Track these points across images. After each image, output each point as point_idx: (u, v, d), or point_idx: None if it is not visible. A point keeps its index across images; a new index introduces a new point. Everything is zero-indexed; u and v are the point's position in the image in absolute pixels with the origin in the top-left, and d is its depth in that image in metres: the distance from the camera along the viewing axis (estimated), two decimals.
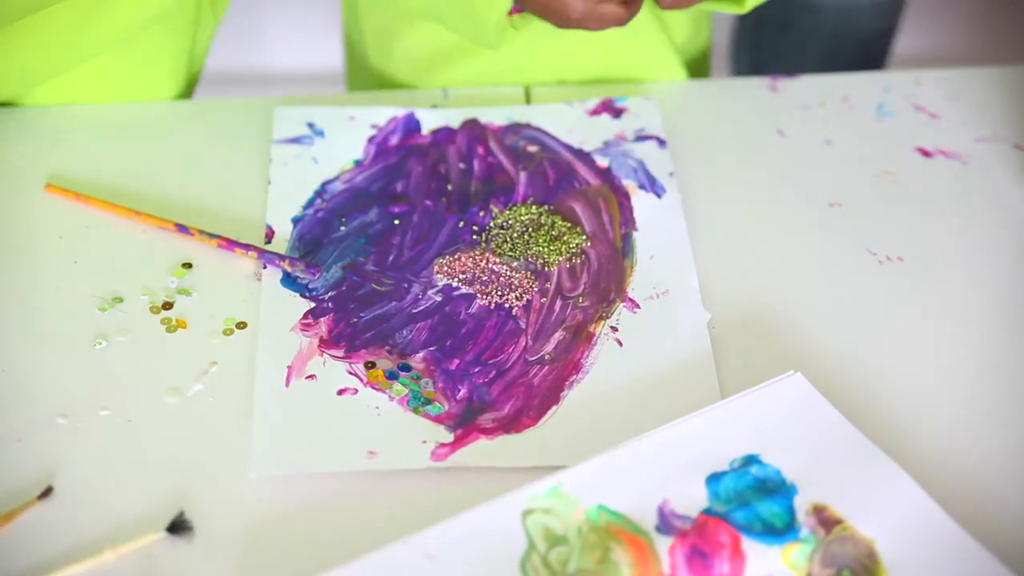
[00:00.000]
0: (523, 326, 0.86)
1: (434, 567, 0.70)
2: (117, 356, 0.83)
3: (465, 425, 0.79)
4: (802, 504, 0.74)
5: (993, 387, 0.83)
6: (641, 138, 1.00)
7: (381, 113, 1.01)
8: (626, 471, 0.75)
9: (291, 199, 0.94)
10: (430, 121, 1.01)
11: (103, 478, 0.76)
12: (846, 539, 0.72)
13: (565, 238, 0.91)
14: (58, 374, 0.82)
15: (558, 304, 0.87)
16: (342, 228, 0.92)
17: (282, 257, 0.89)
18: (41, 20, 0.94)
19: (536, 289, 0.88)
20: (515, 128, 1.01)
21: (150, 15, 0.99)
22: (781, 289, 0.88)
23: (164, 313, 0.86)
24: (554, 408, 0.80)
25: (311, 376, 0.82)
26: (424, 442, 0.78)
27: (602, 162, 0.98)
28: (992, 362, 0.84)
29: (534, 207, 0.94)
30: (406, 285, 0.88)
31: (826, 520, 0.73)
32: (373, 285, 0.88)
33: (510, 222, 0.93)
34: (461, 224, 0.93)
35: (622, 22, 0.91)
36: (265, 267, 0.89)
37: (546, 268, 0.89)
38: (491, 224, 0.93)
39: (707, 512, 0.73)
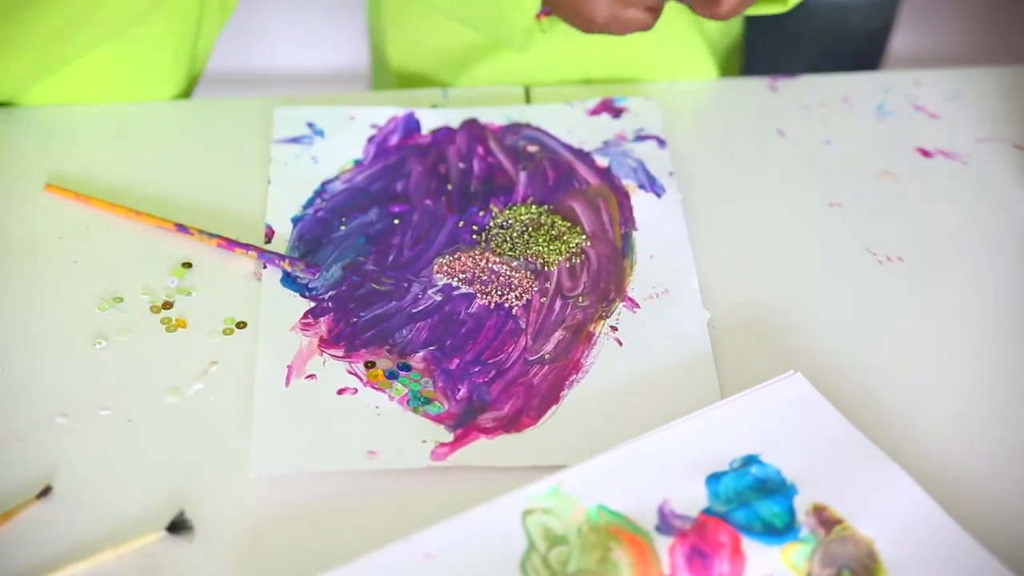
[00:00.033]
0: (523, 326, 0.86)
1: (434, 567, 0.70)
2: (117, 356, 0.83)
3: (465, 425, 0.79)
4: (802, 504, 0.74)
5: (993, 387, 0.83)
6: (641, 138, 1.00)
7: (381, 113, 1.01)
8: (626, 471, 0.75)
9: (291, 199, 0.94)
10: (430, 121, 1.01)
11: (103, 478, 0.76)
12: (846, 539, 0.72)
13: (565, 238, 0.91)
14: (58, 374, 0.82)
15: (558, 304, 0.87)
16: (342, 228, 0.92)
17: (282, 257, 0.89)
18: (39, 11, 0.94)
19: (536, 289, 0.88)
20: (515, 128, 1.01)
21: (149, 3, 0.98)
22: (781, 289, 0.88)
23: (164, 313, 0.86)
24: (554, 408, 0.80)
25: (311, 376, 0.82)
26: (424, 442, 0.78)
27: (602, 162, 0.98)
28: (992, 362, 0.84)
29: (534, 207, 0.94)
30: (406, 285, 0.88)
31: (826, 520, 0.73)
32: (373, 285, 0.88)
33: (510, 222, 0.93)
34: (461, 224, 0.93)
35: (647, 27, 0.91)
36: (265, 267, 0.89)
37: (546, 268, 0.89)
38: (491, 224, 0.93)
39: (707, 512, 0.73)
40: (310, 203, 0.94)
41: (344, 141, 0.99)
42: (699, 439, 0.76)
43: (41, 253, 0.90)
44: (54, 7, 0.94)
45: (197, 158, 0.98)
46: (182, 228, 0.91)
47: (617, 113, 1.02)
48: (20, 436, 0.78)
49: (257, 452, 0.77)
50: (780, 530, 0.72)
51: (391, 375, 0.82)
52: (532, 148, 0.99)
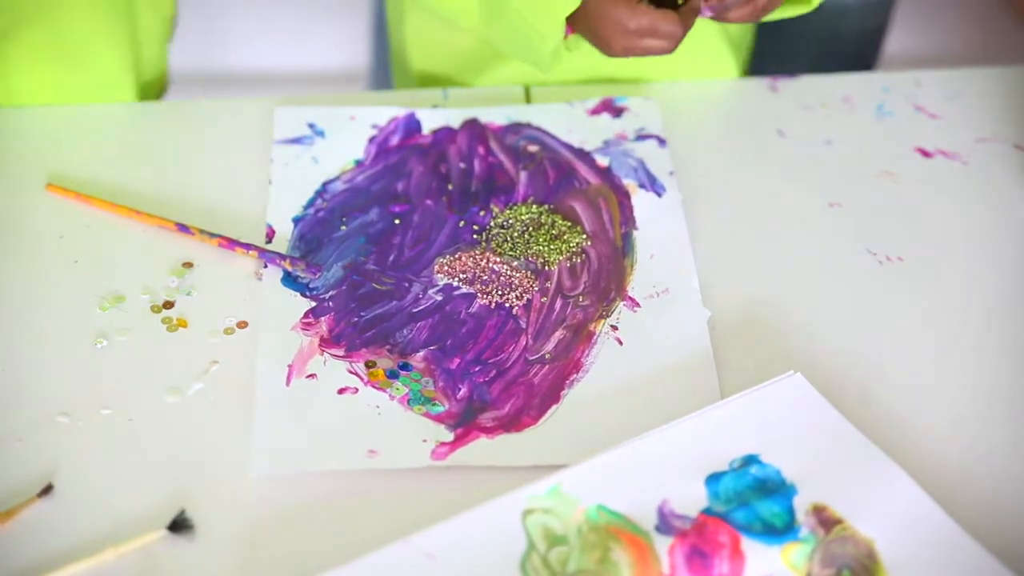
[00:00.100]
0: (523, 325, 0.86)
1: (434, 567, 0.70)
2: (118, 355, 0.83)
3: (465, 424, 0.79)
4: (802, 504, 0.74)
5: (993, 387, 0.83)
6: (641, 137, 1.00)
7: (382, 113, 1.01)
8: (626, 471, 0.75)
9: (292, 199, 0.94)
10: (430, 121, 1.01)
11: (104, 477, 0.77)
12: (846, 539, 0.72)
13: (565, 237, 0.91)
14: (59, 373, 0.82)
15: (558, 303, 0.87)
16: (343, 228, 0.92)
17: (283, 256, 0.89)
18: None
19: (536, 288, 0.88)
20: (515, 128, 1.01)
21: None
22: (781, 289, 0.88)
23: (165, 312, 0.86)
24: (554, 407, 0.80)
25: (312, 375, 0.82)
26: (424, 441, 0.78)
27: (602, 161, 0.98)
28: (992, 362, 0.84)
29: (534, 206, 0.94)
30: (407, 284, 0.88)
31: (826, 520, 0.73)
32: (374, 284, 0.88)
33: (510, 221, 0.93)
34: (461, 224, 0.93)
35: (667, 52, 0.91)
36: (266, 266, 0.89)
37: (546, 267, 0.90)
38: (491, 223, 0.93)
39: (707, 512, 0.73)
40: (311, 203, 0.94)
41: (345, 141, 0.99)
42: (699, 439, 0.77)
43: (41, 253, 0.90)
44: None
45: (198, 158, 0.98)
46: (183, 228, 0.91)
47: (617, 113, 1.02)
48: (21, 435, 0.78)
49: (258, 451, 0.77)
50: (780, 530, 0.73)
51: (392, 375, 0.82)
52: (533, 148, 0.99)
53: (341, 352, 0.83)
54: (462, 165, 0.98)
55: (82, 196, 0.93)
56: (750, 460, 0.76)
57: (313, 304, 0.87)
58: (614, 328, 0.85)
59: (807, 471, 0.75)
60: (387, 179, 0.96)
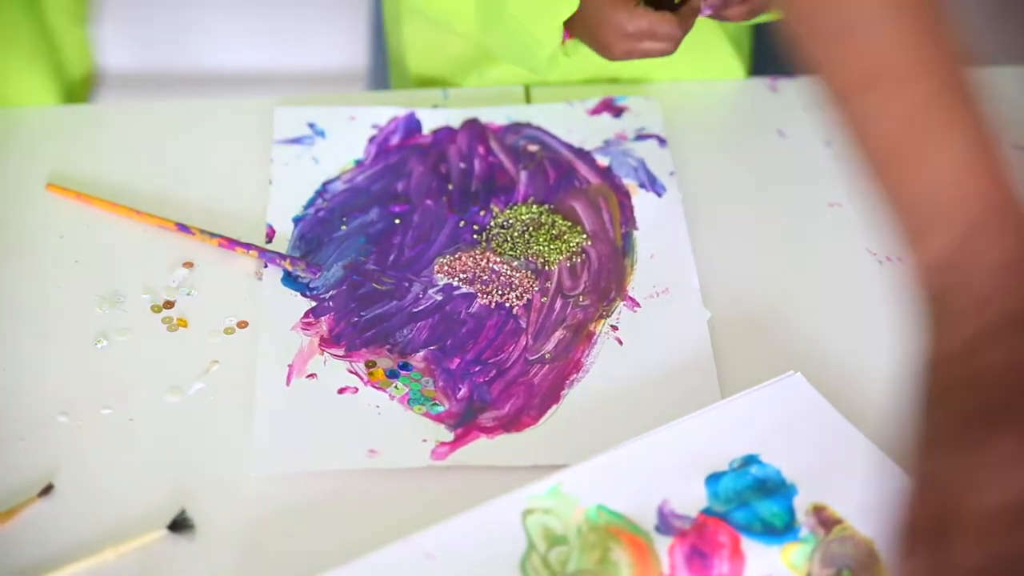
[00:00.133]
0: (523, 325, 0.86)
1: (434, 567, 0.70)
2: (118, 355, 0.83)
3: (465, 424, 0.79)
4: (802, 504, 0.74)
5: None
6: (641, 137, 1.00)
7: (382, 113, 1.01)
8: (626, 471, 0.75)
9: (292, 199, 0.94)
10: (431, 121, 1.01)
11: (104, 476, 0.77)
12: (846, 539, 0.72)
13: (565, 237, 0.91)
14: (59, 373, 0.82)
15: (558, 303, 0.87)
16: (343, 227, 0.92)
17: (283, 256, 0.89)
18: None
19: (536, 288, 0.88)
20: (515, 127, 1.01)
21: None
22: (781, 289, 0.89)
23: (165, 312, 0.86)
24: (554, 407, 0.81)
25: (312, 375, 0.82)
26: (424, 441, 0.78)
27: (602, 161, 0.98)
28: None
29: (534, 206, 0.94)
30: (407, 284, 0.88)
31: (826, 520, 0.73)
32: (374, 284, 0.88)
33: (510, 221, 0.93)
34: (462, 223, 0.93)
35: (667, 54, 0.91)
36: (266, 266, 0.89)
37: (546, 267, 0.90)
38: (491, 223, 0.93)
39: (707, 512, 0.73)
40: (311, 203, 0.94)
41: (345, 141, 0.99)
42: (699, 439, 0.77)
43: (42, 253, 0.90)
44: None
45: (197, 158, 0.98)
46: (183, 228, 0.91)
47: (618, 112, 1.02)
48: (22, 435, 0.78)
49: (258, 451, 0.77)
50: (780, 530, 0.73)
51: (392, 374, 0.82)
52: (533, 148, 0.99)
53: (341, 352, 0.83)
54: (462, 165, 0.98)
55: (82, 196, 0.93)
56: (750, 460, 0.76)
57: (313, 304, 0.87)
58: (614, 328, 0.85)
59: (807, 471, 0.75)
60: (387, 179, 0.96)
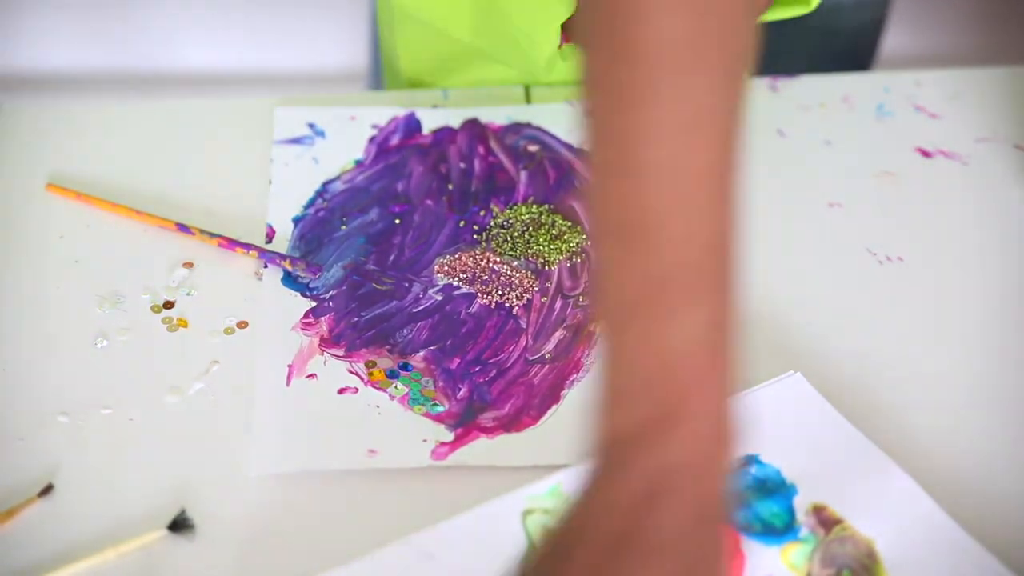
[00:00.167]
0: (523, 325, 0.86)
1: (434, 567, 0.70)
2: (118, 355, 0.83)
3: (465, 424, 0.79)
4: (802, 504, 0.74)
5: (993, 387, 0.83)
6: None
7: (382, 113, 1.01)
8: None
9: (292, 199, 0.94)
10: (431, 121, 1.01)
11: (104, 476, 0.77)
12: (846, 539, 0.72)
13: (566, 237, 0.91)
14: (59, 373, 0.82)
15: (558, 303, 0.87)
16: (343, 228, 0.92)
17: (283, 256, 0.89)
18: None
19: (536, 288, 0.88)
20: (515, 127, 1.01)
21: None
22: (781, 289, 0.88)
23: (165, 312, 0.86)
24: (554, 407, 0.80)
25: (312, 375, 0.82)
26: (424, 441, 0.78)
27: None
28: (992, 362, 0.84)
29: (535, 206, 0.94)
30: (407, 284, 0.88)
31: (826, 520, 0.73)
32: (374, 284, 0.88)
33: (511, 221, 0.93)
34: (462, 224, 0.93)
35: None
36: (266, 266, 0.89)
37: (547, 267, 0.90)
38: (491, 223, 0.93)
39: None
40: (311, 203, 0.94)
41: (345, 141, 0.99)
42: None
43: (41, 253, 0.90)
44: None
45: (197, 158, 0.98)
46: (183, 228, 0.91)
47: None
48: (21, 435, 0.78)
49: (258, 451, 0.77)
50: (780, 530, 0.73)
51: (392, 374, 0.82)
52: (533, 148, 0.99)
53: (341, 352, 0.83)
54: (462, 165, 0.98)
55: (82, 196, 0.93)
56: (750, 460, 0.76)
57: (313, 304, 0.87)
58: None
59: (807, 471, 0.75)
60: (387, 179, 0.96)
